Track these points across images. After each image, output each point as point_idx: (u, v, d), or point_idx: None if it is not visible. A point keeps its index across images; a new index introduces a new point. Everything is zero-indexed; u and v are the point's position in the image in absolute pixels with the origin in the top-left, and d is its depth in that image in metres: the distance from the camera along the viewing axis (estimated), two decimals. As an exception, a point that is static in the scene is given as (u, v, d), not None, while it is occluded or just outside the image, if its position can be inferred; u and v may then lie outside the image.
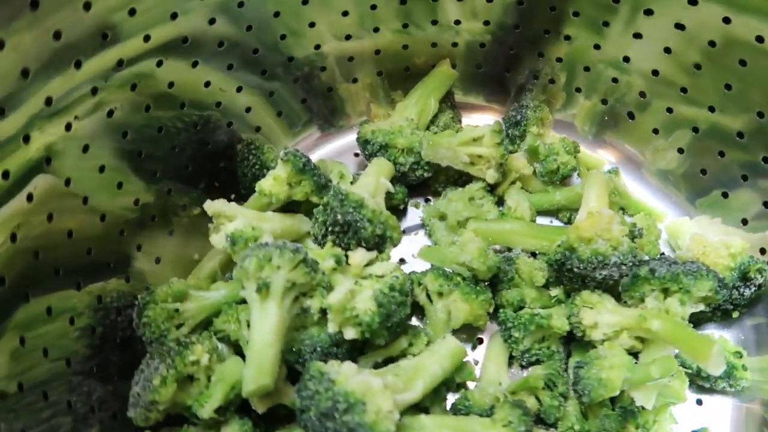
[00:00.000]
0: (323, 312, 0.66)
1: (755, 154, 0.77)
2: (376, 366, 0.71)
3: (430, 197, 0.91)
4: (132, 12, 0.64)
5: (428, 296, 0.77)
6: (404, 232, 0.89)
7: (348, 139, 0.96)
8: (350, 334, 0.65)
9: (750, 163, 0.78)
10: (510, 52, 0.92)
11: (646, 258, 0.74)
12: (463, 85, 0.97)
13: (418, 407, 0.68)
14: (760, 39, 0.70)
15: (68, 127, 0.61)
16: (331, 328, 0.65)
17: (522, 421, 0.63)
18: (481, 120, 0.97)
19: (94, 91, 0.63)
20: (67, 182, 0.63)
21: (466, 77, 0.96)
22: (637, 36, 0.81)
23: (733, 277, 0.73)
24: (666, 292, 0.70)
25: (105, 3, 0.61)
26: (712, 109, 0.80)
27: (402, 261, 0.87)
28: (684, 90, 0.82)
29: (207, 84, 0.78)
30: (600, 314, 0.70)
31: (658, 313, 0.68)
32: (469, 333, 0.80)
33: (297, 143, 0.96)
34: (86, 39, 0.61)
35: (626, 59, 0.85)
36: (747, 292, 0.73)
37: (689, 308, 0.69)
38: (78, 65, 0.60)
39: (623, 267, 0.70)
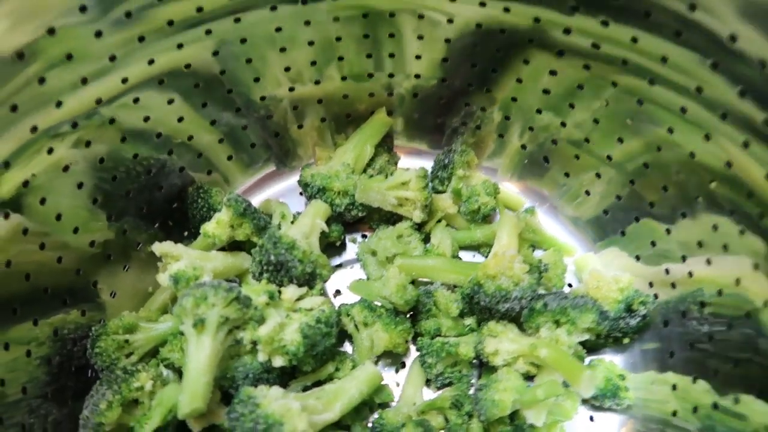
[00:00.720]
0: (255, 343, 0.75)
1: (643, 198, 0.87)
2: (306, 389, 0.80)
3: (366, 233, 1.01)
4: (84, 81, 0.73)
5: (356, 326, 0.86)
6: (341, 265, 0.98)
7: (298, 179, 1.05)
8: (278, 362, 0.75)
9: (640, 207, 0.88)
10: (440, 102, 1.02)
11: (544, 292, 0.84)
12: (405, 132, 1.07)
13: (340, 426, 0.77)
14: (640, 102, 0.81)
15: (26, 184, 0.70)
16: (261, 357, 0.74)
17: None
18: (425, 163, 1.05)
19: (50, 151, 0.72)
20: (25, 231, 0.71)
21: (406, 124, 1.06)
22: (546, 92, 0.92)
23: (620, 308, 0.82)
24: (558, 323, 0.80)
25: (59, 74, 0.70)
26: (609, 158, 0.90)
27: (338, 292, 0.96)
28: (587, 140, 0.92)
29: (158, 135, 0.87)
30: (501, 342, 0.80)
31: (548, 342, 0.78)
32: (394, 358, 0.89)
33: (253, 181, 1.05)
34: (40, 108, 0.69)
35: (539, 111, 0.95)
36: (633, 322, 0.83)
37: (575, 337, 0.79)
38: (34, 130, 0.69)
39: (523, 300, 0.80)
